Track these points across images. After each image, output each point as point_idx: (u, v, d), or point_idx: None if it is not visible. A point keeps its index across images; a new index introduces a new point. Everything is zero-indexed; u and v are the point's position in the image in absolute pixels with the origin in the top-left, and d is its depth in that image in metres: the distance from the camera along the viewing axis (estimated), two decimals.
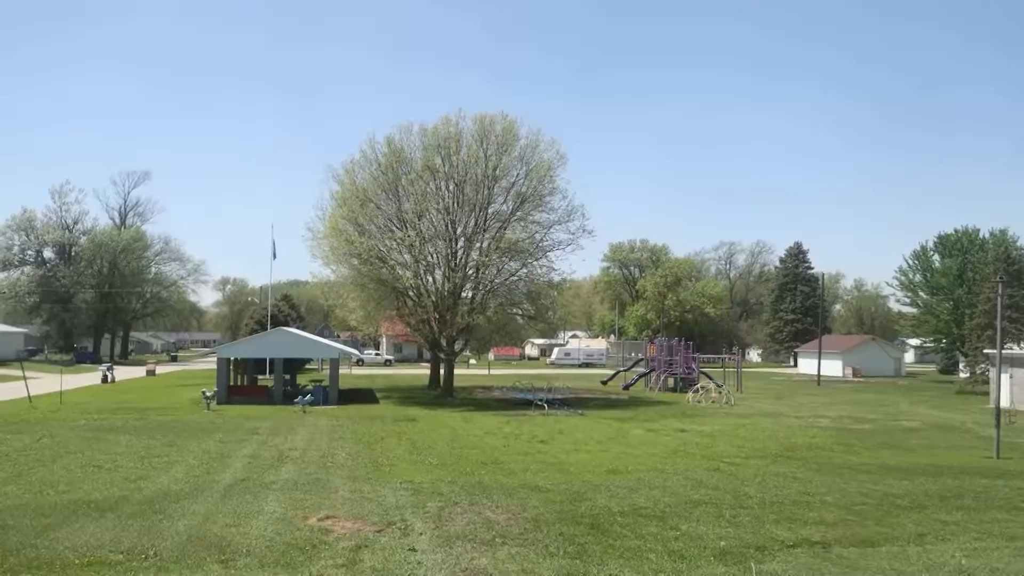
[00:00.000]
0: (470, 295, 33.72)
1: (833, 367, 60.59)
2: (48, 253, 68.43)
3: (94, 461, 14.53)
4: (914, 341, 70.06)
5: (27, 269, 67.18)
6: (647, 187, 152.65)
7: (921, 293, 56.56)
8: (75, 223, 69.42)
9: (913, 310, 58.79)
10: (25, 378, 29.29)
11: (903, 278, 57.62)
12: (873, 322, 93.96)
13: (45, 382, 33.98)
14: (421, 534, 9.10)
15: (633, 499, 11.63)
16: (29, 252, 67.85)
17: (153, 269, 76.42)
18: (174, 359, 75.08)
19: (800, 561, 8.42)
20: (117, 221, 75.79)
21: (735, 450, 18.20)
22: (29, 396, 27.36)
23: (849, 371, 61.20)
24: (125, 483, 12.34)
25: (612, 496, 11.83)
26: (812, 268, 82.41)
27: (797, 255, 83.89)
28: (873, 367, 61.56)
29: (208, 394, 27.17)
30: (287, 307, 58.14)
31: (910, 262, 57.36)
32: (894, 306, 73.57)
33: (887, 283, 64.34)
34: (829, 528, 10.03)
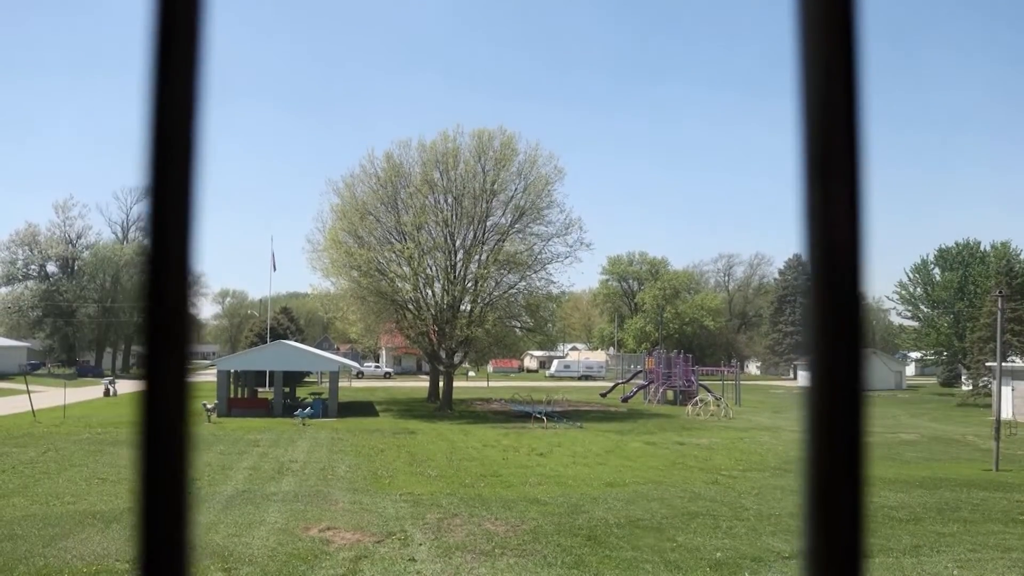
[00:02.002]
0: (469, 308, 33.92)
1: None
2: (51, 267, 68.82)
3: (98, 473, 14.68)
4: (915, 354, 70.18)
5: (30, 283, 67.53)
6: (646, 200, 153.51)
7: (922, 306, 56.74)
8: (78, 237, 69.94)
9: (914, 323, 58.94)
10: (29, 392, 29.42)
11: (903, 292, 57.83)
12: (874, 335, 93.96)
13: (48, 396, 34.08)
14: (420, 545, 9.24)
15: (630, 511, 11.75)
16: (32, 267, 68.25)
17: None
18: None
19: (795, 572, 8.55)
20: (119, 236, 76.27)
21: (733, 463, 18.30)
22: (33, 410, 27.49)
23: None
24: (130, 495, 12.47)
25: (610, 508, 11.96)
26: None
27: (797, 267, 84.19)
28: (874, 380, 61.51)
29: (209, 407, 27.28)
30: (286, 320, 58.31)
31: (910, 275, 57.64)
32: (895, 319, 73.77)
33: (888, 297, 64.73)
34: None
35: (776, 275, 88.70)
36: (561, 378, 69.41)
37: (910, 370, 76.63)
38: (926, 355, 59.79)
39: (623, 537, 9.95)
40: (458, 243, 33.38)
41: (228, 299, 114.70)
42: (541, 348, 79.23)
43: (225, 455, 17.65)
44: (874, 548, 9.82)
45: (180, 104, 0.42)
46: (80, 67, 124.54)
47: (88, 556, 8.33)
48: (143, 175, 0.41)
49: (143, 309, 0.41)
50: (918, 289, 57.10)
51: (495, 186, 32.75)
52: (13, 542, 8.97)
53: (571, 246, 33.71)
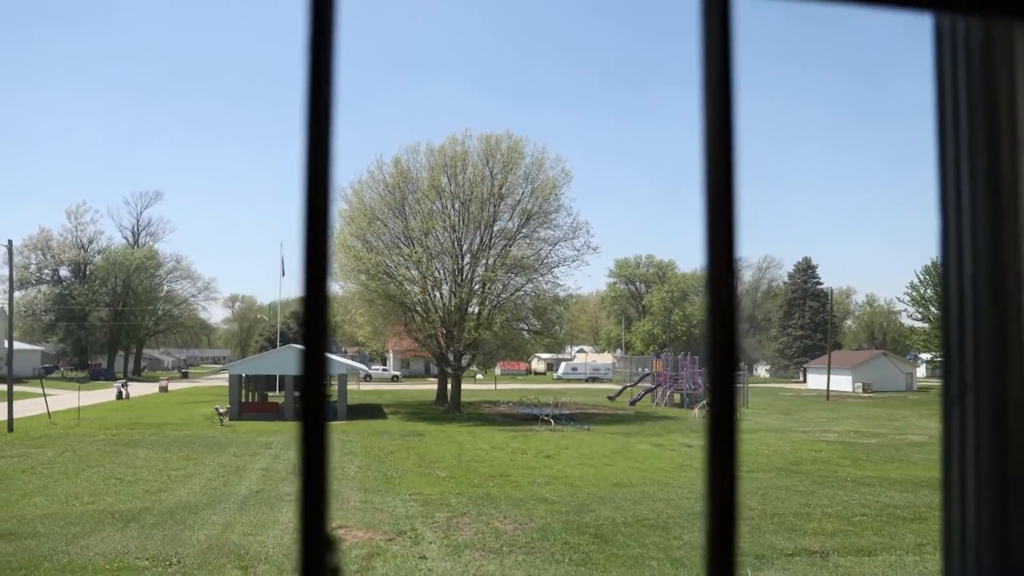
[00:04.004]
0: (477, 310, 34.16)
1: (843, 382, 60.28)
2: (64, 272, 69.72)
3: (115, 474, 15.00)
4: (926, 355, 69.74)
5: (43, 288, 68.44)
6: (653, 203, 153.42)
7: (933, 308, 56.47)
8: (90, 242, 70.81)
9: (925, 325, 58.64)
10: (45, 395, 29.92)
11: (914, 293, 57.57)
12: (885, 337, 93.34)
13: (62, 398, 34.61)
14: (431, 543, 9.46)
15: (637, 511, 11.92)
16: (46, 271, 69.18)
17: (165, 287, 77.54)
18: (185, 376, 75.85)
19: (797, 569, 8.70)
20: (130, 240, 77.12)
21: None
22: (48, 412, 27.97)
23: (859, 386, 60.86)
24: (146, 495, 12.79)
25: (617, 508, 12.12)
26: (821, 283, 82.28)
27: (806, 270, 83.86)
28: (884, 382, 61.18)
29: (221, 411, 27.69)
30: (296, 324, 58.75)
31: (921, 276, 57.38)
32: (906, 321, 73.37)
33: (899, 298, 64.57)
34: (828, 538, 10.29)
35: (785, 278, 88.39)
36: (568, 380, 69.48)
37: (921, 371, 76.09)
38: (937, 356, 59.42)
39: (630, 535, 10.12)
40: (465, 247, 33.66)
41: (238, 304, 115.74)
42: (549, 351, 79.42)
43: (238, 457, 17.96)
44: (877, 546, 9.95)
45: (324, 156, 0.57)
46: (90, 75, 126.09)
47: (109, 553, 8.61)
48: (303, 221, 0.56)
49: (302, 358, 0.58)
50: (929, 291, 56.82)
51: (502, 190, 33.00)
52: (36, 540, 9.27)
53: (578, 250, 33.93)
